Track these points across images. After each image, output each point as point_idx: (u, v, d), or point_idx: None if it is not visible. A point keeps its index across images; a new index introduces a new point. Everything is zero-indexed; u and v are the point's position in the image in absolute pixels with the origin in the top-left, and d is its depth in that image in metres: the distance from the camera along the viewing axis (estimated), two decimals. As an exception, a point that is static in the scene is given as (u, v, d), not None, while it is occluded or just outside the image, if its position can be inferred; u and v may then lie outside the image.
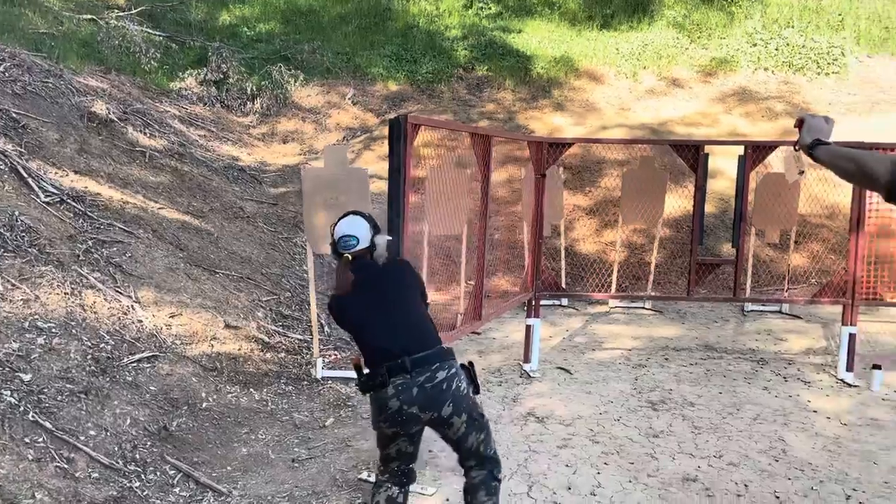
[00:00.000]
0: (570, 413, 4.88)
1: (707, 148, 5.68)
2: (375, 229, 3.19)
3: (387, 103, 13.45)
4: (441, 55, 14.88)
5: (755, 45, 15.33)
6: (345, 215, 3.22)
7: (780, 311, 8.03)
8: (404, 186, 3.50)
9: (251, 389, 5.03)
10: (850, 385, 5.59)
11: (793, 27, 15.84)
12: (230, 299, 6.10)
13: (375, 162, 11.49)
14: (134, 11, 13.61)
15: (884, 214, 5.68)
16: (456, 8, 16.98)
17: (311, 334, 5.63)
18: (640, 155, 8.16)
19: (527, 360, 5.81)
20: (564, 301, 8.25)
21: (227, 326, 5.54)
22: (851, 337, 5.70)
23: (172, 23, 14.73)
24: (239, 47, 14.04)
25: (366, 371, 2.94)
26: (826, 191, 8.66)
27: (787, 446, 4.38)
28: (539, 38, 15.75)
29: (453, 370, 2.96)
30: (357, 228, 3.14)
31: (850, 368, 5.70)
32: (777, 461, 4.14)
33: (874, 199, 5.66)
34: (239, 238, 7.71)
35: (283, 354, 5.70)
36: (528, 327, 5.80)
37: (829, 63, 14.58)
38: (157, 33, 13.69)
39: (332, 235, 3.19)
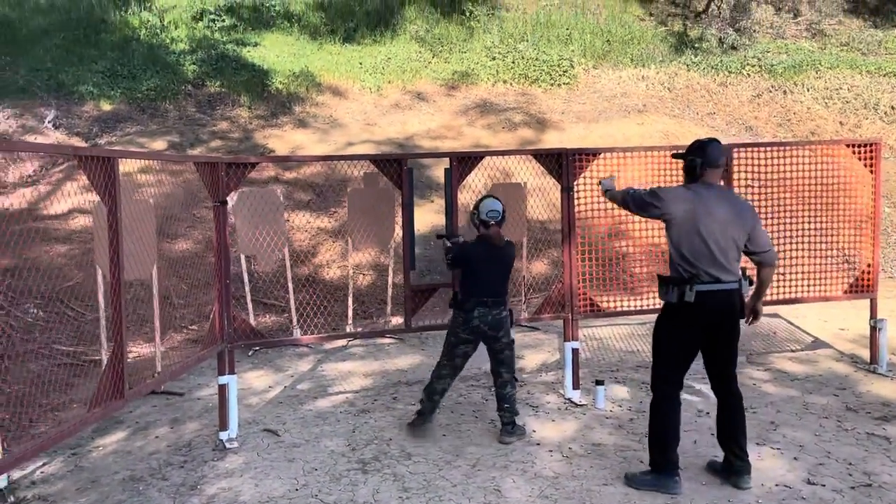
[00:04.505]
0: (260, 495, 3.97)
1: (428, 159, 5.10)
2: (504, 209, 4.75)
3: (98, 125, 11.71)
4: (165, 70, 13.36)
5: (494, 58, 15.63)
6: (486, 196, 4.78)
7: (519, 324, 7.78)
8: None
9: None
10: (576, 405, 5.29)
11: (527, 41, 16.42)
12: None
13: (78, 194, 9.83)
14: None
15: (588, 222, 5.49)
16: (184, 20, 15.50)
17: None
18: (364, 172, 7.51)
19: (223, 427, 4.80)
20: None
21: None
22: (574, 353, 5.42)
23: None
24: None
25: (461, 297, 4.69)
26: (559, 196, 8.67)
27: (503, 499, 3.83)
28: (277, 52, 14.81)
29: (507, 312, 4.72)
30: (499, 206, 4.70)
31: (576, 386, 5.42)
32: (487, 524, 3.56)
33: (581, 208, 5.44)
34: None
35: None
36: (222, 387, 4.81)
37: (560, 74, 15.22)
38: None
39: (478, 208, 4.70)
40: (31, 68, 12.55)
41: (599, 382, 5.31)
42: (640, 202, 3.96)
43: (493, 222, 4.65)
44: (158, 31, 14.85)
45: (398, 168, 5.07)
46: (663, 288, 3.91)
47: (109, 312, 7.24)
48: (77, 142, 11.20)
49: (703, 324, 3.82)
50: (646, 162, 5.65)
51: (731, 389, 3.99)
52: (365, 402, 5.58)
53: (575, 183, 5.38)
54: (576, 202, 5.40)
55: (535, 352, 6.90)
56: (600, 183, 4.54)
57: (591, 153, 5.41)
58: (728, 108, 14.65)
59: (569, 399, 5.39)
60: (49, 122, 11.35)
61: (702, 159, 3.85)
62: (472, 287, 4.65)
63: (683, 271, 3.81)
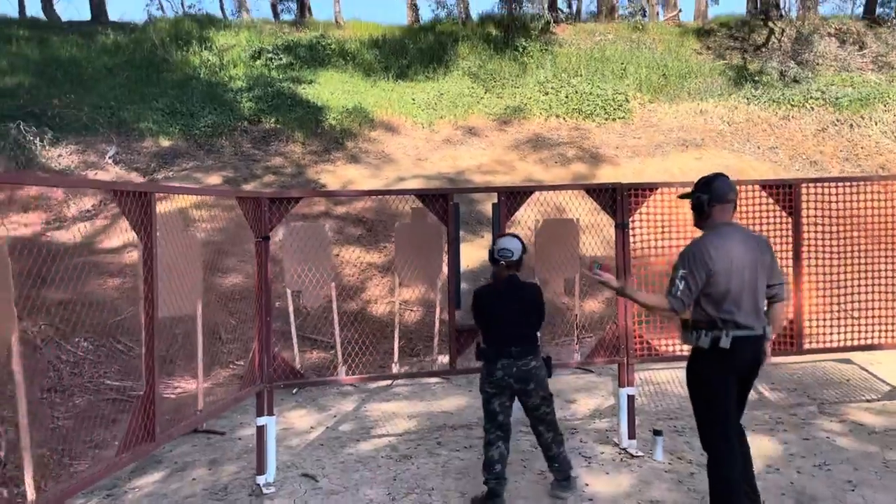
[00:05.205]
0: (293, 546, 3.77)
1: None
2: (524, 250, 4.29)
3: (156, 161, 11.97)
4: (223, 107, 13.66)
5: (546, 93, 15.52)
6: (505, 234, 4.44)
7: (569, 367, 7.45)
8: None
9: None
10: (632, 456, 4.95)
11: (581, 76, 16.27)
12: None
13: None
14: None
15: (645, 260, 5.20)
16: (242, 59, 15.90)
17: None
18: (412, 207, 7.38)
19: (261, 470, 4.63)
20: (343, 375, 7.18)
21: None
22: (630, 400, 5.10)
23: None
24: (-28, 103, 12.01)
25: (483, 346, 4.27)
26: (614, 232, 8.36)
27: (551, 561, 3.54)
28: (332, 89, 15.01)
29: (539, 361, 4.24)
30: (515, 245, 4.27)
31: (632, 435, 5.08)
32: (533, 590, 3.27)
33: (637, 245, 5.17)
34: None
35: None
36: (260, 429, 4.65)
37: (615, 109, 14.99)
38: None
39: (493, 246, 4.34)
40: (95, 106, 12.97)
41: (658, 432, 4.96)
42: (688, 288, 3.57)
43: (503, 262, 4.24)
44: (217, 69, 15.23)
45: (444, 203, 4.91)
46: (692, 332, 3.67)
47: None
48: (136, 177, 11.46)
49: (736, 372, 3.63)
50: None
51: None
52: (408, 446, 5.35)
53: (630, 219, 5.12)
54: (631, 239, 5.13)
55: (588, 396, 6.57)
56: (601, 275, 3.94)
57: (648, 188, 5.15)
58: (791, 143, 14.13)
59: (624, 449, 5.06)
60: (110, 157, 11.66)
61: (709, 195, 3.67)
62: (490, 336, 4.25)
63: (719, 319, 3.58)
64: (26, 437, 3.87)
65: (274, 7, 24.88)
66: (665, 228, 5.29)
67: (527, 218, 7.85)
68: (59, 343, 7.22)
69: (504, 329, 4.22)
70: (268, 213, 4.61)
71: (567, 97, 15.22)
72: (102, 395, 6.67)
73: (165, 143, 12.49)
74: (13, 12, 20.30)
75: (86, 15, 19.64)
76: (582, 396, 6.55)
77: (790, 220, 5.34)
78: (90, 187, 6.93)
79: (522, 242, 4.32)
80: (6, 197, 10.39)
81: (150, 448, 3.45)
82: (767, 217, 5.45)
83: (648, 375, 7.09)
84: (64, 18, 20.22)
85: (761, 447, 5.03)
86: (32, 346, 7.16)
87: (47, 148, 11.48)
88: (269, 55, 15.84)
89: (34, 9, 21.14)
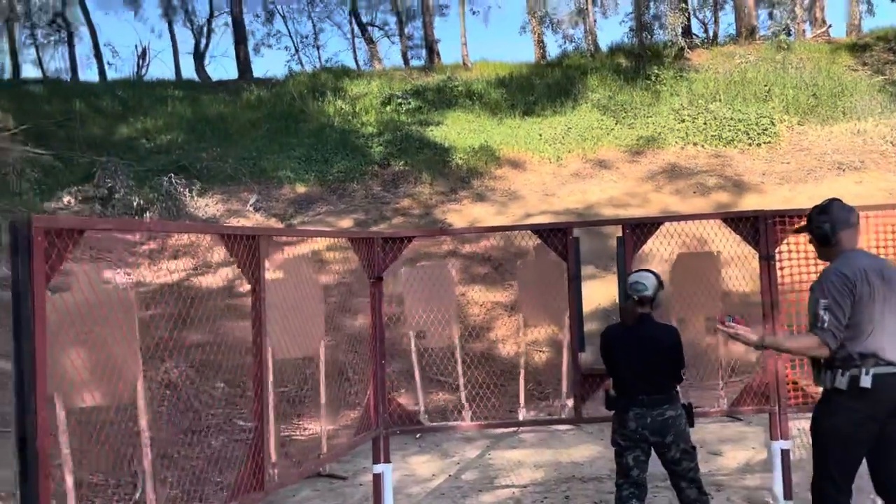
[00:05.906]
0: None
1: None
2: (660, 285, 3.90)
3: (293, 207, 12.48)
4: (355, 153, 14.10)
5: (683, 121, 14.82)
6: (639, 270, 4.06)
7: (710, 415, 6.78)
8: (34, 315, 2.30)
9: None
10: (789, 520, 4.33)
11: (720, 101, 15.41)
12: None
13: (270, 271, 10.36)
14: (14, 130, 12.65)
15: (795, 296, 4.60)
16: (373, 105, 16.40)
17: None
18: (534, 244, 7.10)
19: (377, 521, 4.47)
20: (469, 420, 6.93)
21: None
22: (785, 454, 4.49)
23: (64, 140, 13.82)
24: (134, 160, 13.09)
25: (612, 393, 3.94)
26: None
27: None
28: (459, 129, 15.11)
29: (677, 410, 3.81)
30: (648, 280, 3.86)
31: (788, 496, 4.45)
32: None
33: (785, 279, 4.59)
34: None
35: None
36: (377, 477, 4.49)
37: (759, 133, 14.02)
38: (42, 152, 12.70)
39: (627, 280, 4.02)
40: (239, 157, 13.78)
41: (818, 494, 4.30)
42: (835, 318, 3.15)
43: (634, 296, 3.84)
44: (350, 117, 15.81)
45: (563, 238, 4.61)
46: (827, 372, 3.27)
47: (284, 390, 7.29)
48: (274, 222, 11.99)
49: (878, 416, 3.20)
50: (875, 225, 4.64)
51: None
52: (533, 499, 5.00)
53: (777, 250, 4.57)
54: (779, 272, 4.57)
55: (735, 448, 5.92)
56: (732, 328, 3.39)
57: (796, 215, 4.57)
58: (971, 160, 12.55)
59: (779, 512, 4.44)
60: (251, 205, 12.28)
61: (830, 223, 3.34)
62: (620, 381, 3.87)
63: (857, 354, 3.19)
64: (150, 483, 3.91)
65: (404, 55, 25.73)
66: (819, 259, 4.66)
67: (662, 251, 7.34)
68: (198, 384, 7.51)
69: (632, 374, 3.81)
70: (381, 253, 4.51)
71: (705, 123, 14.43)
72: (234, 437, 6.82)
73: (301, 189, 13.01)
74: (170, 75, 22.29)
75: (233, 74, 21.18)
76: (729, 448, 5.91)
77: None
78: (199, 232, 7.21)
79: (659, 278, 3.90)
80: (158, 245, 11.16)
81: (259, 497, 3.37)
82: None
83: (806, 425, 6.30)
84: (214, 78, 21.92)
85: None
86: (174, 386, 7.50)
87: (195, 198, 12.27)
88: (399, 100, 16.25)
89: (188, 71, 23.13)
